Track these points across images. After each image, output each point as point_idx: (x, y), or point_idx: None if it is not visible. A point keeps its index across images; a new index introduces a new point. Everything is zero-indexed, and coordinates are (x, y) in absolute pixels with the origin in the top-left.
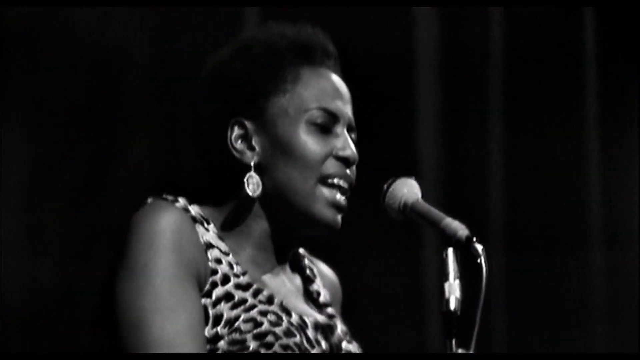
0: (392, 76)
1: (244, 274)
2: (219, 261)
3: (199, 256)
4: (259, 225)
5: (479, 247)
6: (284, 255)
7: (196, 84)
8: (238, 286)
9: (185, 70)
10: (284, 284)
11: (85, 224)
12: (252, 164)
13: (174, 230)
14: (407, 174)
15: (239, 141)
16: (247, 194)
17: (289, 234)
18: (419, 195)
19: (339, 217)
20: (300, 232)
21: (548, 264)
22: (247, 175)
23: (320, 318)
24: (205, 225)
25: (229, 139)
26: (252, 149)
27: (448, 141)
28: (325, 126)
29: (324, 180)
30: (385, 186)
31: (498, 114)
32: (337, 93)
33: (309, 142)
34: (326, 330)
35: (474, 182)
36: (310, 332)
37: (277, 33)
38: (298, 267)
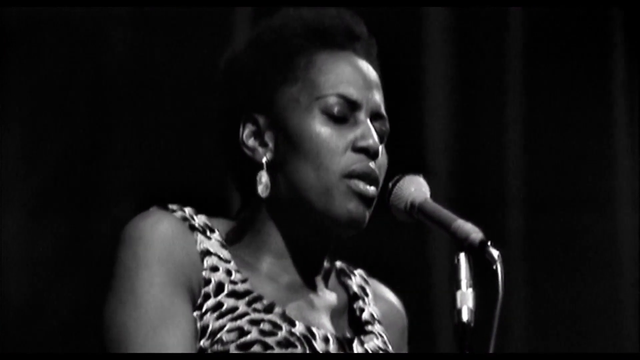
0: (398, 56)
1: (243, 281)
2: (214, 269)
3: (193, 266)
4: (275, 230)
5: (495, 252)
6: (308, 265)
7: (213, 81)
8: (232, 294)
9: (180, 70)
10: (302, 296)
11: (86, 225)
12: (263, 161)
13: (163, 240)
14: (415, 170)
15: (252, 138)
16: (261, 198)
17: (310, 237)
18: (428, 194)
19: (365, 210)
20: (321, 233)
21: (573, 274)
22: (258, 174)
23: (342, 332)
24: (208, 233)
25: (240, 137)
26: (264, 145)
27: (460, 133)
28: (343, 115)
29: (346, 175)
30: (390, 184)
31: (516, 101)
32: (357, 77)
33: (323, 134)
34: (344, 343)
35: (489, 179)
36: (318, 345)
37: (293, 17)
38: (343, 285)
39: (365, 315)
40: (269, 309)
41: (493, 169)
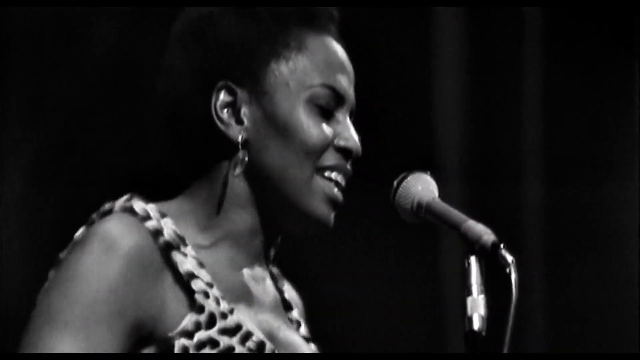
0: (406, 43)
1: (231, 311)
2: (206, 295)
3: (166, 292)
4: (241, 217)
5: (508, 256)
6: (264, 256)
7: (170, 35)
8: (224, 331)
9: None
10: (265, 294)
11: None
12: (239, 139)
13: (129, 253)
14: (422, 168)
15: (225, 110)
16: (230, 177)
17: (275, 229)
18: (436, 193)
19: (333, 215)
20: (289, 227)
21: (592, 271)
22: (239, 153)
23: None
24: (182, 247)
25: (212, 105)
26: (240, 122)
27: (472, 127)
28: (328, 108)
29: (321, 171)
30: (395, 183)
31: (533, 93)
32: (343, 68)
33: (311, 126)
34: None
35: (503, 178)
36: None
37: None
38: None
39: (302, 331)
40: (260, 347)
41: (507, 167)
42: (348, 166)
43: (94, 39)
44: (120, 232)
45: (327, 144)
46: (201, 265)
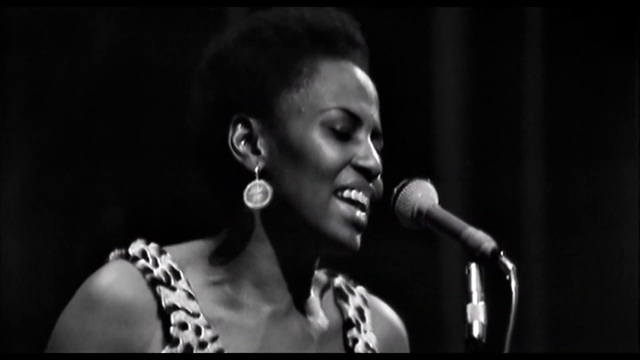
0: (407, 48)
1: (213, 339)
2: (183, 326)
3: (146, 329)
4: (261, 249)
5: (508, 263)
6: (294, 290)
7: (194, 72)
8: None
9: (174, 69)
10: (286, 327)
11: (83, 227)
12: (256, 170)
13: (104, 305)
14: (422, 174)
15: (242, 142)
16: (249, 209)
17: (297, 257)
18: (436, 200)
19: (358, 236)
20: (310, 251)
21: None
22: (251, 183)
23: None
24: (173, 282)
25: (230, 139)
26: (256, 152)
27: (473, 133)
28: (345, 131)
29: (339, 192)
30: (395, 190)
31: (534, 99)
32: (361, 92)
33: (324, 148)
34: None
35: (504, 184)
36: None
37: (293, 15)
38: (339, 307)
39: (358, 347)
40: None
41: (508, 173)
42: (371, 185)
43: (93, 39)
44: (102, 289)
45: (343, 165)
46: (191, 297)
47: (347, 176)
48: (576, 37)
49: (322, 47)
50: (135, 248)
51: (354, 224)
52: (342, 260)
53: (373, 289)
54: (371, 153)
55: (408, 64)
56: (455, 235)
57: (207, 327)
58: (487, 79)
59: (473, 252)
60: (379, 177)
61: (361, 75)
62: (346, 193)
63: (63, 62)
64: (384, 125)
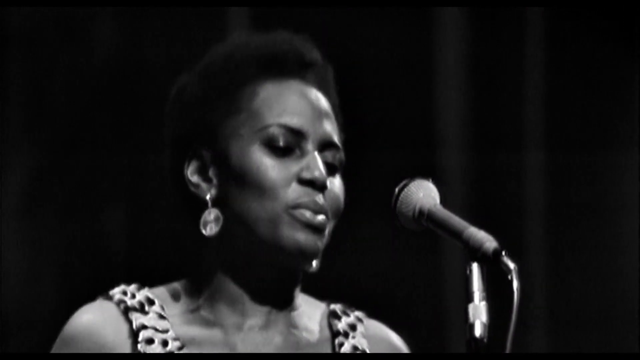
0: (409, 42)
1: (180, 348)
2: (149, 341)
3: (119, 352)
4: (228, 273)
5: (510, 263)
6: (269, 305)
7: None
8: None
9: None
10: (269, 342)
11: (84, 226)
12: (207, 198)
13: (77, 338)
14: (423, 174)
15: (196, 175)
16: (208, 238)
17: (265, 275)
18: (437, 200)
19: (315, 239)
20: (274, 268)
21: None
22: (205, 212)
23: None
24: (146, 307)
25: (185, 173)
26: (208, 180)
27: (475, 132)
28: (288, 145)
29: (290, 210)
30: (396, 190)
31: (535, 96)
32: (304, 107)
33: (263, 166)
34: None
35: (506, 185)
36: None
37: (241, 44)
38: (330, 326)
39: (344, 349)
40: None
41: (511, 173)
42: (319, 198)
43: (94, 38)
44: (76, 325)
45: (286, 180)
46: (162, 317)
47: (295, 193)
48: (577, 36)
49: (266, 71)
50: (115, 289)
51: (309, 226)
52: (343, 259)
53: (373, 289)
54: (316, 164)
55: (409, 64)
56: (456, 235)
57: (175, 339)
58: (488, 78)
59: (475, 252)
60: (336, 191)
61: (307, 91)
62: (298, 213)
63: (64, 61)
64: (384, 125)
